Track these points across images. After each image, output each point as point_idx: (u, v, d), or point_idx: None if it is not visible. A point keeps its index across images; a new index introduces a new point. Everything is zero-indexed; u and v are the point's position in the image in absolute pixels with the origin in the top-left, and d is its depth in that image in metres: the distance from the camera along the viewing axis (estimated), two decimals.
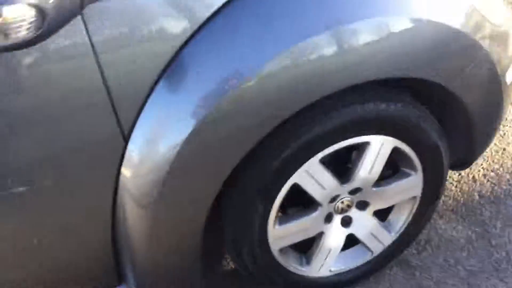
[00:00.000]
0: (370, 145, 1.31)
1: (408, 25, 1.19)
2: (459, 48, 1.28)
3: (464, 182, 1.88)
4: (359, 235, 1.48)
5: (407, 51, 1.20)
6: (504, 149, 2.00)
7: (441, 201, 1.81)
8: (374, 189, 1.41)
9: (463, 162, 1.59)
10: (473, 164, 1.90)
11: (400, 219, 1.52)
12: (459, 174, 1.91)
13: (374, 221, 1.47)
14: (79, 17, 0.95)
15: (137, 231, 1.18)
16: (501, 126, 2.08)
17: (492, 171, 1.92)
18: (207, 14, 1.07)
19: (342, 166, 1.38)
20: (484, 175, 1.90)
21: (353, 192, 1.40)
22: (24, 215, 1.10)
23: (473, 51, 1.30)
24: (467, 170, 1.92)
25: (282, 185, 1.27)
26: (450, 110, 1.40)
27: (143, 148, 1.10)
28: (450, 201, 1.82)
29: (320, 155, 1.26)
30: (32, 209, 1.10)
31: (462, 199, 1.83)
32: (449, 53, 1.27)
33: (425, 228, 1.72)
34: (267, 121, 1.13)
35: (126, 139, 1.09)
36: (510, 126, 2.08)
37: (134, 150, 1.10)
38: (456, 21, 1.26)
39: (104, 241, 1.20)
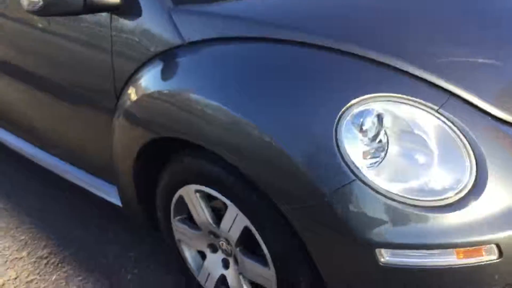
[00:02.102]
0: (228, 208, 1.52)
1: None
2: None
3: None
4: (229, 280, 1.68)
5: None
6: None
7: None
8: (237, 249, 1.58)
9: None
10: None
11: None
12: None
13: (241, 281, 1.63)
14: None
15: None
16: None
17: None
18: None
19: None
20: None
21: (229, 242, 1.62)
22: None
23: None
24: None
25: (173, 194, 1.68)
26: None
27: None
28: None
29: (195, 187, 1.58)
30: None
31: None
32: None
33: None
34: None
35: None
36: None
37: None
38: None
39: None
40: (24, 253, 2.20)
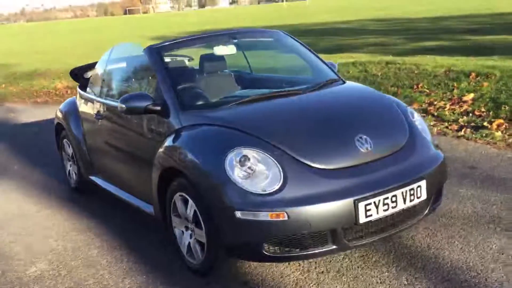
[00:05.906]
0: (189, 202, 3.24)
1: None
2: None
3: None
4: (191, 244, 3.35)
5: None
6: None
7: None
8: (193, 224, 3.26)
9: None
10: None
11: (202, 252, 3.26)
12: None
13: (195, 243, 3.30)
14: None
15: None
16: None
17: None
18: None
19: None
20: None
21: (191, 223, 3.31)
22: None
23: None
24: None
25: (172, 198, 3.44)
26: None
27: None
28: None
29: (179, 193, 3.33)
30: None
31: None
32: None
33: None
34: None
35: None
36: None
37: None
38: None
39: None
40: (104, 246, 4.03)
